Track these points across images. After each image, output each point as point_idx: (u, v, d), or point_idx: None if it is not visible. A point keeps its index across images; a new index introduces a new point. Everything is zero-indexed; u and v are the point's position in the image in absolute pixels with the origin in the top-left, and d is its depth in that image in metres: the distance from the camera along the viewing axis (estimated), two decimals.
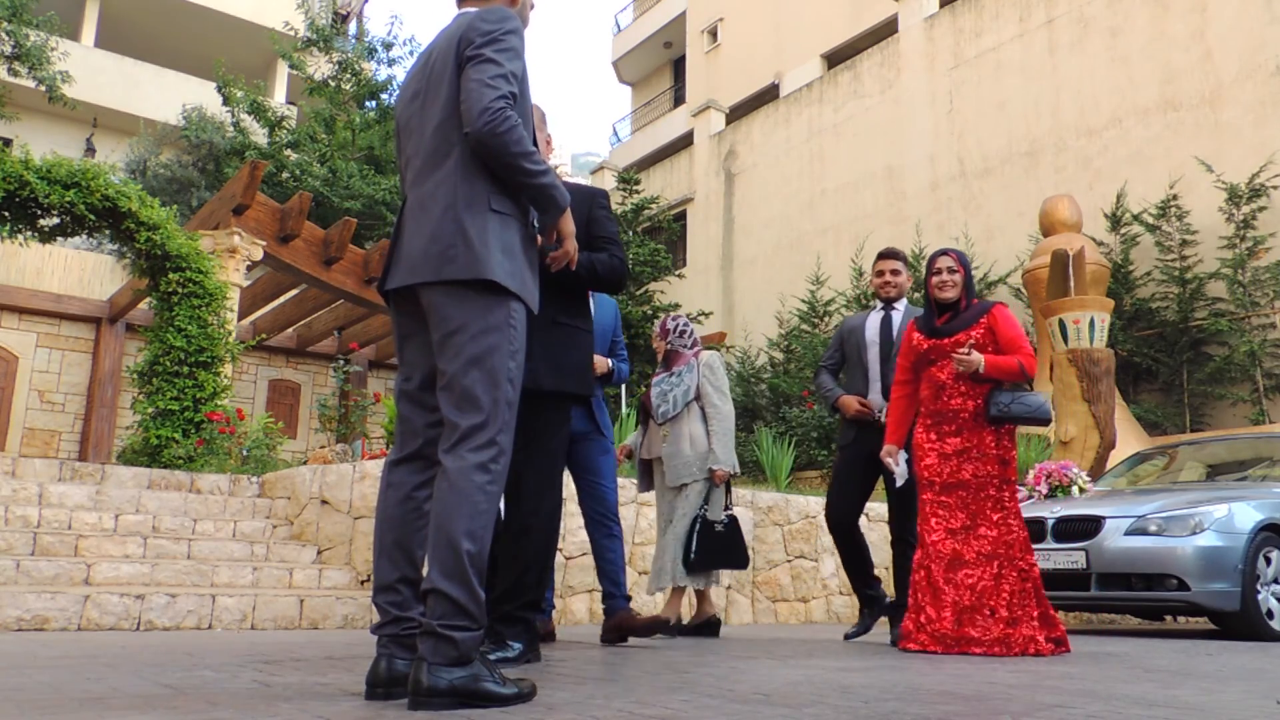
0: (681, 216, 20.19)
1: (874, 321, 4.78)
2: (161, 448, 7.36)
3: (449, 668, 1.96)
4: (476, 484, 2.04)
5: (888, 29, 17.95)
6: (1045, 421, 4.00)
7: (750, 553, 6.54)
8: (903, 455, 4.23)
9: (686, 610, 5.20)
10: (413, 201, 2.22)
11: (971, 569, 3.93)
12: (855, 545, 4.70)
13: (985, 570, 3.92)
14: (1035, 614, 3.89)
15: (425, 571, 2.06)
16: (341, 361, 10.63)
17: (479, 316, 2.10)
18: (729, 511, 4.79)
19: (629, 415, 7.21)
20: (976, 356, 3.95)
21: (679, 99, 24.80)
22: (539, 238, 2.35)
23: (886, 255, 4.84)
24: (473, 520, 2.02)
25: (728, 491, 4.87)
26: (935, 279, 4.17)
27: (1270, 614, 5.44)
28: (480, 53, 2.16)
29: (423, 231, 2.15)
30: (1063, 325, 8.51)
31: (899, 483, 4.22)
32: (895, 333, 4.69)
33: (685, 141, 21.89)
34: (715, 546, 4.67)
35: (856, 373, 4.80)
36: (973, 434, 4.02)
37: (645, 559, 6.17)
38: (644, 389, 10.09)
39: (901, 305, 4.80)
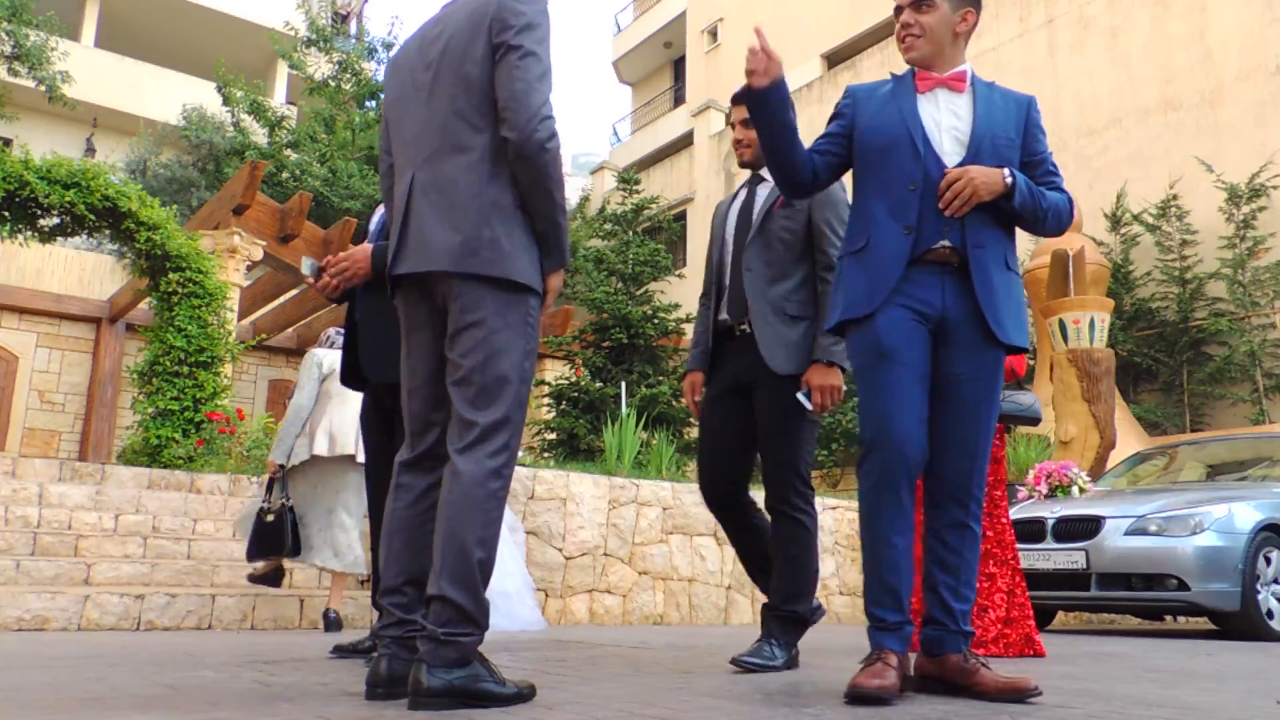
0: (682, 217, 20.17)
1: (735, 208, 3.24)
2: (161, 448, 7.37)
3: (449, 668, 1.96)
4: (490, 490, 2.02)
5: (888, 29, 17.93)
6: (1035, 421, 4.04)
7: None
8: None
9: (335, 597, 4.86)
10: (426, 181, 2.13)
11: None
12: (748, 528, 3.17)
13: (980, 570, 3.93)
14: (1030, 613, 3.91)
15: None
16: None
17: (499, 313, 2.06)
18: (285, 501, 4.62)
19: (629, 416, 7.10)
20: None
21: (679, 99, 24.78)
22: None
23: (739, 100, 2.83)
24: (485, 528, 2.01)
25: (283, 483, 4.66)
26: None
27: (1270, 614, 5.44)
28: (521, 44, 2.06)
29: (444, 219, 2.08)
30: (1063, 325, 8.52)
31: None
32: (756, 214, 3.13)
33: (685, 141, 21.88)
34: (263, 536, 4.54)
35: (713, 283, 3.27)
36: None
37: (646, 559, 6.17)
38: (644, 389, 10.09)
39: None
